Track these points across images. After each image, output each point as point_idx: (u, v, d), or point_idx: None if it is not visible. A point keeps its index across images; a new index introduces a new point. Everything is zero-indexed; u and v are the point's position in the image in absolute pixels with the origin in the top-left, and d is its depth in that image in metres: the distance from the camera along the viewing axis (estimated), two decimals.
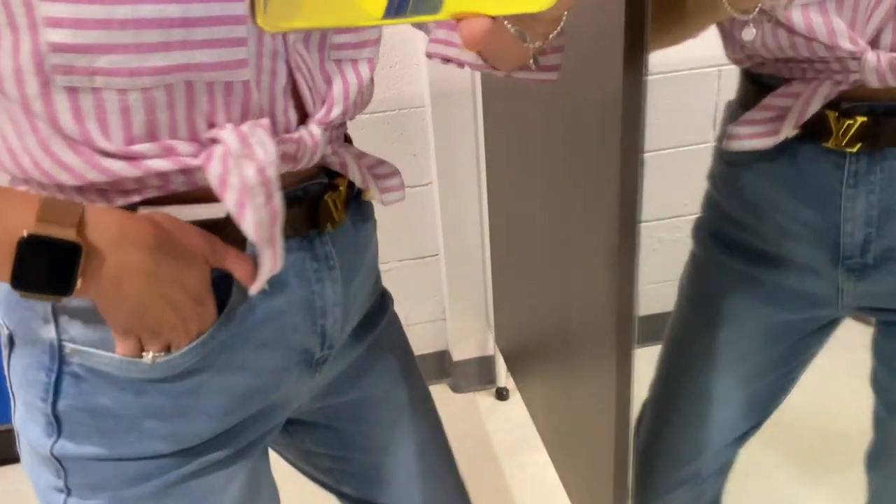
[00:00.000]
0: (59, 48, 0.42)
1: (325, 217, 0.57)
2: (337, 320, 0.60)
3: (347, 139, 0.65)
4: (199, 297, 0.50)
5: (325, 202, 0.57)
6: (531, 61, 0.56)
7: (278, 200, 0.48)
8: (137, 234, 0.47)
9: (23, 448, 0.58)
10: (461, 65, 0.61)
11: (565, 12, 0.46)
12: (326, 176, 0.58)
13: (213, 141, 0.48)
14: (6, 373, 0.55)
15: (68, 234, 0.44)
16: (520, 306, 1.66)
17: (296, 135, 0.52)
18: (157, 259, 0.47)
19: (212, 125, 0.49)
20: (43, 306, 0.51)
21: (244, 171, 0.46)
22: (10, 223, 0.43)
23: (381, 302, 0.73)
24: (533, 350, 1.61)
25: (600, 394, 1.07)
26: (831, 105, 0.63)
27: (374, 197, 0.63)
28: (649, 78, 0.70)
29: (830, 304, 0.75)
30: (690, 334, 0.88)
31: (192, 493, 0.57)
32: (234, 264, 0.51)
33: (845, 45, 0.59)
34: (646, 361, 1.07)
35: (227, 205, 0.47)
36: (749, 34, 0.63)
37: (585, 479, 1.33)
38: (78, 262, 0.44)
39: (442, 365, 2.04)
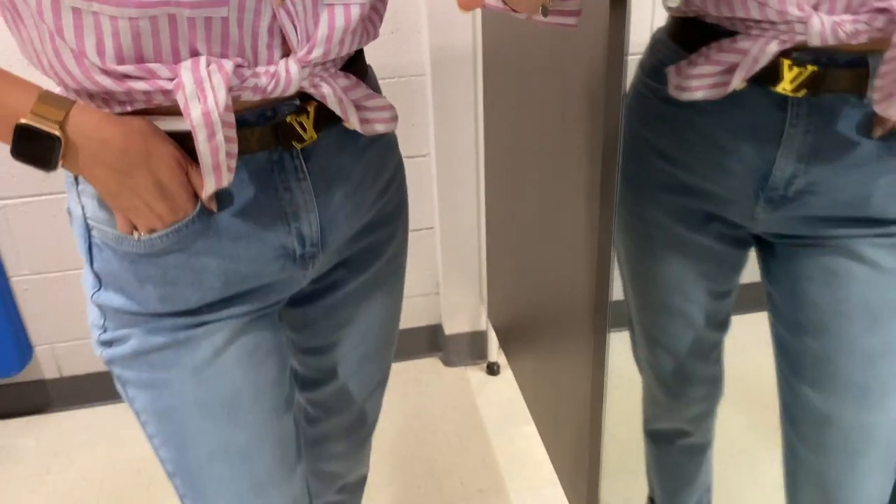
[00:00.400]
0: None
1: (289, 135, 0.64)
2: (312, 224, 0.69)
3: (360, 67, 0.72)
4: (168, 191, 0.60)
5: (288, 123, 0.63)
6: (540, 10, 0.62)
7: (220, 137, 0.57)
8: (108, 134, 0.57)
9: (87, 300, 0.71)
10: (483, 5, 0.64)
11: None
12: (300, 100, 0.64)
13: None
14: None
15: (52, 128, 0.56)
16: (512, 283, 1.65)
17: (272, 69, 0.59)
18: (123, 156, 0.57)
19: (193, 53, 0.56)
20: (75, 191, 0.65)
21: (192, 111, 0.55)
22: (10, 109, 0.55)
23: (393, 210, 0.81)
24: (523, 326, 1.61)
25: (579, 372, 1.11)
26: (783, 53, 0.70)
27: (353, 126, 0.68)
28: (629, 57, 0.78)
29: (744, 226, 0.86)
30: (635, 261, 0.97)
31: (194, 347, 0.67)
32: (193, 175, 0.61)
33: (793, 11, 0.66)
34: (624, 343, 1.08)
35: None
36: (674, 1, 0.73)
37: (568, 452, 1.33)
38: (58, 149, 0.56)
39: (434, 338, 2.04)
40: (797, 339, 0.82)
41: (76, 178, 0.65)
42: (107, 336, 0.68)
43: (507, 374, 1.96)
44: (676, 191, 0.86)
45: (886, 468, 0.81)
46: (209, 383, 0.68)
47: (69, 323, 1.82)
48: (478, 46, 1.62)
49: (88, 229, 0.66)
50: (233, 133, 0.58)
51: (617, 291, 1.04)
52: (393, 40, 1.65)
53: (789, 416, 0.86)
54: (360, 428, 0.94)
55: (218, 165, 0.58)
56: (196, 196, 0.62)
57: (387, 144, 0.77)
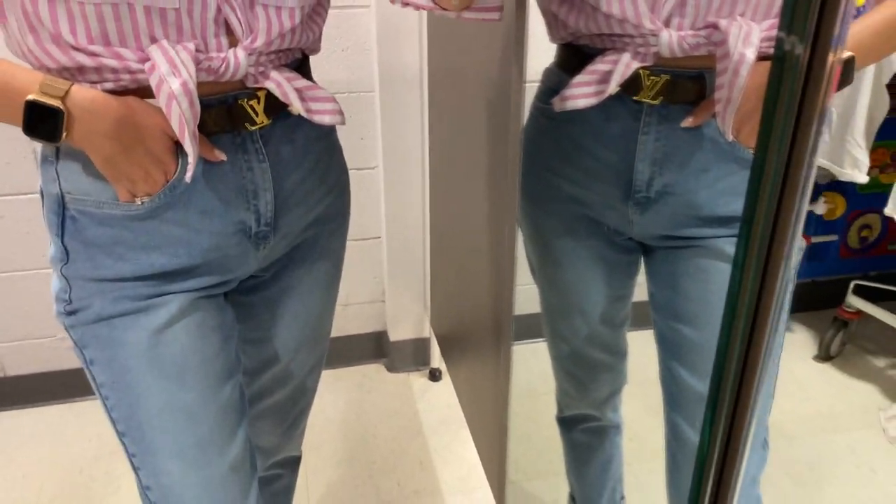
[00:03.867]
0: None
1: (241, 118, 0.74)
2: (269, 203, 0.78)
3: (305, 69, 0.82)
4: (160, 158, 0.70)
5: (239, 105, 0.73)
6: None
7: (198, 105, 0.66)
8: (104, 107, 0.67)
9: (53, 278, 0.78)
10: (417, 7, 0.77)
11: None
12: (250, 89, 0.74)
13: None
14: (44, 221, 0.76)
15: (55, 102, 0.65)
16: (450, 292, 1.72)
17: (222, 55, 0.69)
18: (120, 126, 0.67)
19: (153, 40, 0.66)
20: (52, 170, 0.72)
21: (171, 85, 0.64)
22: (20, 88, 0.65)
23: (337, 211, 0.91)
24: (457, 334, 1.68)
25: (491, 381, 1.20)
26: (643, 67, 0.82)
27: (296, 111, 0.77)
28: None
29: (624, 232, 0.96)
30: (540, 266, 1.07)
31: (152, 315, 0.74)
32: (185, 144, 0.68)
33: (647, 24, 0.78)
34: (532, 354, 1.16)
35: (161, 105, 0.65)
36: None
37: (490, 455, 1.41)
38: (62, 121, 0.66)
39: (379, 345, 2.10)
40: (675, 329, 0.92)
41: (56, 156, 0.72)
42: (72, 306, 0.75)
43: (448, 380, 2.03)
44: (563, 200, 0.96)
45: (756, 444, 0.90)
46: (162, 346, 0.75)
47: (13, 323, 1.83)
48: (424, 64, 1.69)
49: (63, 204, 0.72)
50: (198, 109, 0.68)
51: (534, 304, 1.14)
52: (344, 57, 1.72)
53: (671, 399, 0.95)
54: (294, 407, 1.01)
55: (195, 133, 0.67)
56: (174, 164, 0.71)
57: (332, 146, 0.88)
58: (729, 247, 0.87)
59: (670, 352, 0.94)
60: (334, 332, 2.04)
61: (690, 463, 0.94)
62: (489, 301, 1.13)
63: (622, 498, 1.33)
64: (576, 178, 0.93)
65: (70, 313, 0.75)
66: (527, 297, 1.31)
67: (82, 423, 1.87)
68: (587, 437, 1.23)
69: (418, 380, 2.04)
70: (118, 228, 0.72)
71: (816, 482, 1.62)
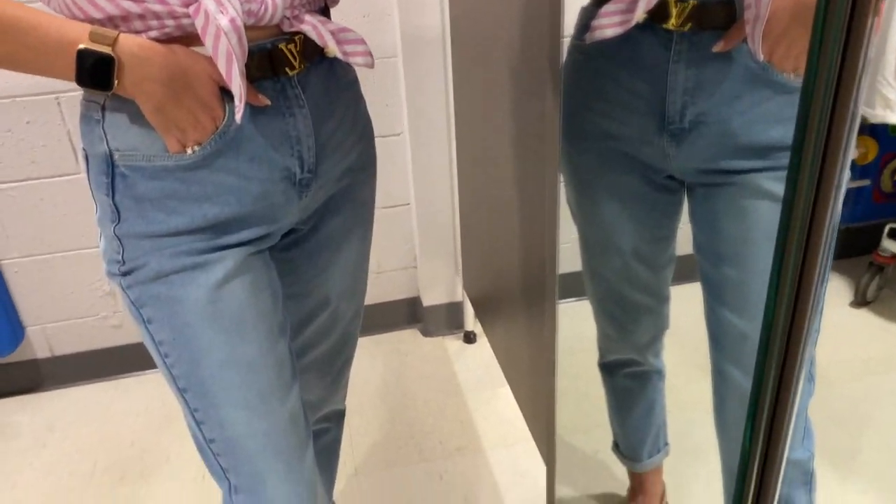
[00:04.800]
0: None
1: (281, 62, 0.76)
2: (311, 148, 0.81)
3: (327, 13, 0.84)
4: (208, 104, 0.72)
5: (280, 49, 0.75)
6: None
7: (245, 42, 0.69)
8: (152, 53, 0.68)
9: (102, 240, 0.79)
10: None
11: None
12: (287, 34, 0.76)
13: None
14: (89, 183, 0.78)
15: (106, 49, 0.67)
16: (483, 254, 1.73)
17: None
18: (169, 72, 0.69)
19: None
20: (98, 129, 0.73)
21: (220, 21, 0.67)
22: (72, 37, 0.67)
23: (367, 160, 0.93)
24: (494, 295, 1.70)
25: (535, 337, 1.21)
26: None
27: (333, 53, 0.79)
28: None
29: (662, 168, 0.96)
30: (579, 207, 1.08)
31: (208, 271, 0.76)
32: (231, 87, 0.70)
33: None
34: (574, 313, 1.17)
35: (207, 47, 0.68)
36: None
37: (535, 411, 1.43)
38: (113, 68, 0.68)
39: (413, 311, 2.12)
40: (717, 269, 0.92)
41: (102, 114, 0.73)
42: (126, 266, 0.76)
43: (483, 341, 2.05)
44: (599, 137, 0.97)
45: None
46: (220, 302, 0.76)
47: (59, 304, 1.88)
48: (446, 27, 1.69)
49: (112, 163, 0.74)
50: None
51: (567, 264, 1.15)
52: (365, 23, 1.72)
53: (715, 339, 0.96)
54: (337, 358, 1.03)
55: (243, 72, 0.69)
56: (222, 110, 0.73)
57: (358, 95, 0.90)
58: (767, 182, 0.87)
59: (714, 293, 0.95)
60: (368, 300, 2.07)
61: (737, 402, 0.95)
62: (529, 257, 1.14)
63: (666, 444, 1.35)
64: (611, 112, 0.93)
65: (125, 273, 0.77)
66: (561, 256, 1.32)
67: (130, 399, 1.92)
68: (629, 382, 1.24)
69: (453, 343, 2.06)
70: (170, 181, 0.74)
71: (857, 425, 1.62)
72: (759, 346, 0.54)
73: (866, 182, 2.14)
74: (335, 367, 1.06)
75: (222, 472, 0.80)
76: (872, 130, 2.05)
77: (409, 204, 1.97)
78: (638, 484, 1.38)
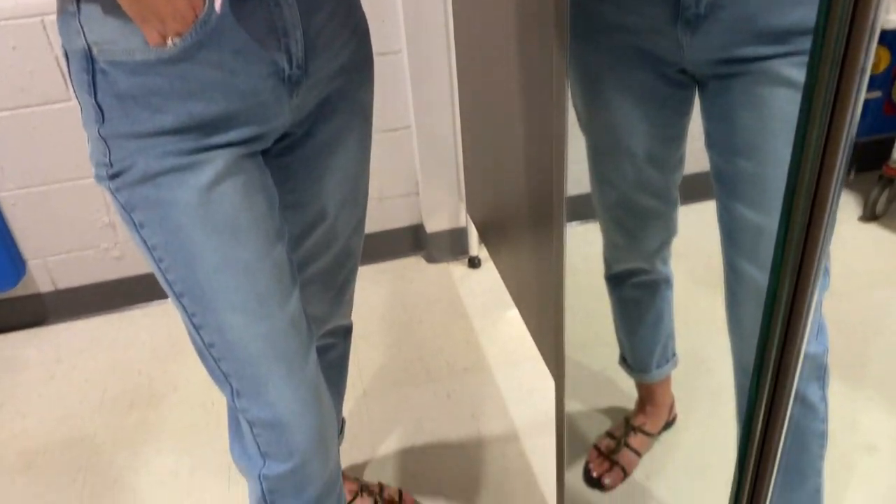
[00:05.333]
0: None
1: None
2: (298, 42, 0.76)
3: None
4: None
5: None
6: None
7: None
8: None
9: (89, 144, 0.77)
10: None
11: None
12: None
13: None
14: (72, 86, 0.74)
15: None
16: (487, 177, 1.70)
17: None
18: None
19: None
20: (75, 23, 0.70)
21: None
22: None
23: (363, 59, 0.89)
24: (500, 219, 1.67)
25: (543, 256, 1.20)
26: None
27: None
28: None
29: (676, 61, 0.92)
30: (586, 107, 1.04)
31: (198, 171, 0.74)
32: None
33: None
34: (580, 236, 1.15)
35: None
36: None
37: (543, 329, 1.42)
38: None
39: (416, 237, 2.10)
40: (731, 163, 0.89)
41: (77, 6, 0.70)
42: (114, 169, 0.74)
43: (487, 266, 2.04)
44: (610, 30, 0.93)
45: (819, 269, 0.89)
46: (213, 203, 0.74)
47: (60, 236, 1.86)
48: None
49: (91, 58, 0.70)
50: None
51: (579, 186, 1.12)
52: None
53: (729, 236, 0.93)
54: (340, 271, 1.02)
55: None
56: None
57: None
58: (787, 69, 0.83)
59: (727, 188, 0.92)
60: (371, 228, 2.05)
61: (752, 299, 0.93)
62: (536, 178, 1.11)
63: (674, 355, 1.34)
64: (621, 1, 0.89)
65: (113, 176, 0.74)
66: (567, 178, 1.30)
67: (135, 330, 1.92)
68: (637, 292, 1.23)
69: (458, 268, 2.05)
70: (152, 76, 0.71)
71: (865, 336, 1.62)
72: (777, 241, 0.53)
73: (877, 94, 2.08)
74: (338, 282, 1.04)
75: (224, 377, 0.79)
76: (884, 40, 1.99)
77: (409, 127, 1.93)
78: (646, 395, 1.38)
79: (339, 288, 1.05)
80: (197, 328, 0.78)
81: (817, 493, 0.98)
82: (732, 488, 0.66)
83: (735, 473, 0.65)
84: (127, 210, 0.76)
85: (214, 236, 0.75)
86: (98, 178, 0.76)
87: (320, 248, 0.97)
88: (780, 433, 0.60)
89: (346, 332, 1.17)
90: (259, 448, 0.81)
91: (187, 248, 0.75)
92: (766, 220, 0.87)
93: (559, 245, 1.10)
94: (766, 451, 0.61)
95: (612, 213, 1.13)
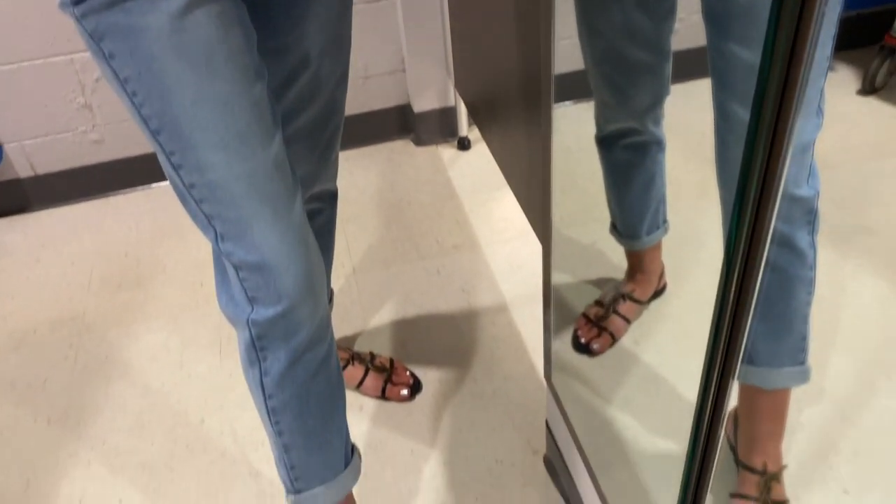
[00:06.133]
0: None
1: None
2: None
3: None
4: None
5: None
6: None
7: None
8: None
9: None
10: None
11: None
12: None
13: None
14: None
15: None
16: (476, 53, 1.63)
17: None
18: None
19: None
20: None
21: None
22: None
23: None
24: (490, 95, 1.62)
25: (535, 135, 1.17)
26: None
27: None
28: None
29: None
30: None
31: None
32: None
33: None
34: (571, 116, 1.12)
35: None
36: None
37: (533, 199, 1.40)
38: None
39: (404, 118, 2.05)
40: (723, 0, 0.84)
41: None
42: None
43: (477, 148, 1.99)
44: None
45: (810, 111, 0.86)
46: (187, 31, 0.70)
47: (35, 118, 1.80)
48: None
49: None
50: None
51: (571, 63, 1.06)
52: None
53: (719, 77, 0.89)
54: (325, 127, 0.98)
55: None
56: None
57: None
58: None
59: (719, 27, 0.88)
60: (356, 109, 1.99)
61: (740, 142, 0.90)
62: (523, 50, 1.06)
63: (665, 221, 1.32)
64: None
65: (77, 1, 0.70)
66: (558, 55, 1.24)
67: (120, 215, 1.89)
68: (628, 154, 1.20)
69: (447, 150, 2.01)
70: None
71: (860, 205, 1.60)
72: (759, 74, 0.51)
73: None
74: (323, 139, 1.00)
75: (206, 219, 0.77)
76: None
77: None
78: (636, 263, 1.38)
79: (324, 147, 1.01)
80: (176, 168, 0.75)
81: (803, 340, 0.99)
82: (711, 327, 0.65)
83: (714, 310, 0.64)
84: (95, 39, 0.71)
85: (189, 69, 0.71)
86: (62, 5, 0.71)
87: (304, 99, 0.93)
88: (759, 267, 0.59)
89: (332, 197, 1.14)
90: (246, 293, 0.79)
91: (161, 79, 0.71)
92: (756, 55, 0.83)
93: (547, 118, 1.06)
94: (745, 285, 0.60)
95: (601, 69, 1.08)
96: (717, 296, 0.63)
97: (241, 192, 0.75)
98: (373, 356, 1.35)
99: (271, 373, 0.83)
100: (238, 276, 0.79)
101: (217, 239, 0.77)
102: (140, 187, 1.97)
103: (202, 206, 0.76)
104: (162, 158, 0.76)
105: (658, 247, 1.36)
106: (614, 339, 1.35)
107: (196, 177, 0.75)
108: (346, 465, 0.94)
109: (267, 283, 0.78)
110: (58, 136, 1.84)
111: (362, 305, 1.53)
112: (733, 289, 0.61)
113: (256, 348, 0.82)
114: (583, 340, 1.35)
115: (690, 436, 0.76)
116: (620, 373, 1.33)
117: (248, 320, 0.80)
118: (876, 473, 1.09)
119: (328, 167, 1.06)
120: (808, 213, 0.91)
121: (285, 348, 0.82)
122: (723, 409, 0.70)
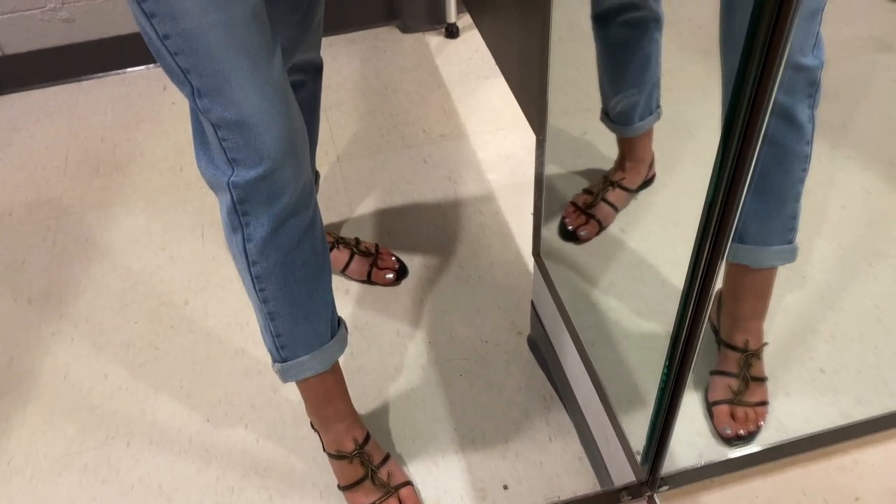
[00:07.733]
0: None
1: None
2: None
3: None
4: None
5: None
6: None
7: None
8: None
9: None
10: None
11: None
12: None
13: None
14: None
15: None
16: None
17: None
18: None
19: None
20: None
21: None
22: None
23: None
24: None
25: (531, 20, 1.08)
26: None
27: None
28: None
29: None
30: None
31: None
32: None
33: None
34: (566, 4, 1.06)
35: None
36: None
37: (527, 87, 1.36)
38: None
39: (389, 4, 1.96)
40: None
41: None
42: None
43: (466, 36, 1.93)
44: None
45: None
46: None
47: None
48: None
49: None
50: None
51: None
52: None
53: None
54: None
55: None
56: None
57: None
58: None
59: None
60: None
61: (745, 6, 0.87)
62: None
63: (658, 107, 1.30)
64: None
65: None
66: None
67: (95, 98, 1.82)
68: (625, 31, 1.16)
69: (434, 38, 1.94)
70: None
71: (852, 99, 1.58)
72: None
73: None
74: (305, 1, 0.95)
75: (182, 74, 0.73)
76: None
77: None
78: (627, 150, 1.36)
79: (306, 10, 0.96)
80: (149, 16, 0.71)
81: (794, 219, 0.99)
82: (706, 199, 0.64)
83: (710, 180, 0.63)
84: None
85: None
86: None
87: None
88: (758, 137, 0.57)
89: (317, 70, 1.10)
90: (226, 154, 0.77)
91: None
92: None
93: (545, 18, 1.01)
94: (742, 155, 0.59)
95: None
96: (714, 166, 0.61)
97: (217, 43, 0.71)
98: (358, 241, 1.34)
99: (254, 238, 0.82)
100: (217, 136, 0.76)
101: (194, 94, 0.74)
102: (115, 72, 1.89)
103: (178, 59, 0.72)
104: (134, 8, 0.72)
105: (649, 134, 1.33)
106: (602, 227, 1.35)
107: (170, 26, 0.71)
108: (333, 335, 0.94)
109: (247, 142, 0.75)
110: (25, 14, 1.74)
111: (347, 193, 1.51)
112: (730, 160, 0.59)
113: (238, 213, 0.80)
114: (570, 227, 1.34)
115: (677, 313, 0.76)
116: (607, 259, 1.34)
117: (228, 183, 0.78)
118: (851, 355, 1.12)
119: (310, 33, 1.01)
120: (811, 86, 0.89)
121: (268, 213, 0.80)
122: (711, 286, 0.70)
